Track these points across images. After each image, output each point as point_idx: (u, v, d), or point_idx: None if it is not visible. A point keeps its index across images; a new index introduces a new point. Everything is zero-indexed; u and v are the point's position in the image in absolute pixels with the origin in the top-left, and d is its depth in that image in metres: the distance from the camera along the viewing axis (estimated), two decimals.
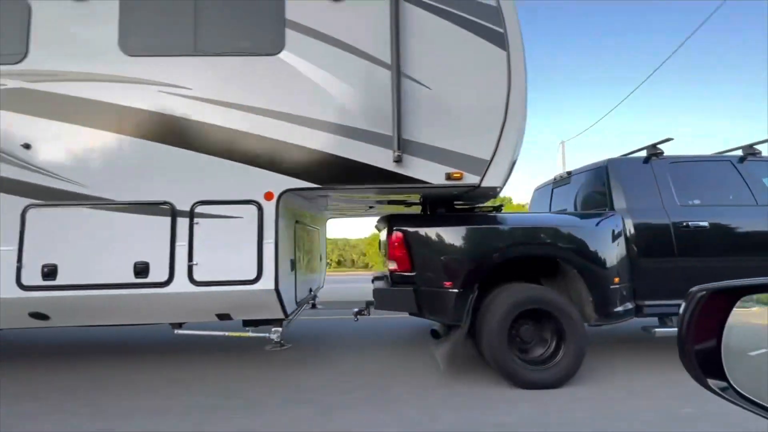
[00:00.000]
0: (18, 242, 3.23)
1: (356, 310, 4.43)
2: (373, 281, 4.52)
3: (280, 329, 3.74)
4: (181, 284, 3.26)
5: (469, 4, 3.58)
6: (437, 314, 3.62)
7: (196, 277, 3.27)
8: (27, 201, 3.27)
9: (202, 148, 3.39)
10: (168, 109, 3.41)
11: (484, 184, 3.48)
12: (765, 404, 0.71)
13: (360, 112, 3.48)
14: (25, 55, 3.40)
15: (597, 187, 4.36)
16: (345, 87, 3.49)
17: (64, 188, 3.31)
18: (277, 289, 3.32)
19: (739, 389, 0.75)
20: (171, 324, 3.71)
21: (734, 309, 0.77)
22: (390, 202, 4.86)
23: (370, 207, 5.15)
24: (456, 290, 3.50)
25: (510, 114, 3.51)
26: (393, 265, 3.82)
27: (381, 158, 3.45)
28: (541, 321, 3.46)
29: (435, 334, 3.96)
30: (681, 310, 0.81)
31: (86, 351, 4.49)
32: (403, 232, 3.73)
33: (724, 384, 0.76)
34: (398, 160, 3.40)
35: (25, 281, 3.20)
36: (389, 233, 3.82)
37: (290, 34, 3.51)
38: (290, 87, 3.48)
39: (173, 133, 3.39)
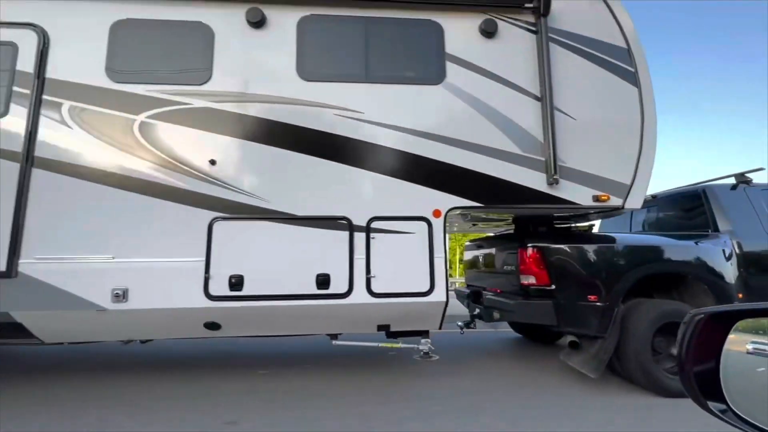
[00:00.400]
0: (205, 254, 3.34)
1: (461, 323, 4.63)
2: (469, 296, 4.73)
3: (429, 340, 3.89)
4: (360, 295, 3.41)
5: (605, 46, 4.00)
6: (580, 326, 3.86)
7: (374, 288, 3.43)
8: (213, 214, 3.40)
9: (374, 168, 3.61)
10: (342, 130, 3.64)
11: (626, 206, 3.80)
12: (764, 427, 0.71)
13: (514, 138, 3.79)
14: (210, 78, 3.60)
15: (692, 211, 4.76)
16: (499, 115, 3.81)
17: (247, 202, 3.46)
18: (447, 301, 3.51)
19: (737, 411, 0.75)
20: (329, 335, 3.82)
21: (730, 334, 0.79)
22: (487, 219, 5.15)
23: (474, 224, 5.42)
24: (602, 304, 3.77)
25: (644, 143, 3.88)
26: (529, 280, 4.06)
27: (535, 180, 3.74)
28: (674, 333, 3.74)
29: (573, 344, 4.18)
30: (680, 334, 0.82)
31: (241, 363, 4.50)
32: (541, 248, 4.00)
33: (723, 406, 0.76)
34: (553, 183, 3.70)
35: (212, 291, 3.29)
36: (522, 249, 4.09)
37: (450, 66, 3.83)
38: (451, 114, 3.77)
39: (347, 153, 3.61)
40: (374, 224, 3.52)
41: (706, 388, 0.78)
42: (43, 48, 3.48)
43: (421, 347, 3.88)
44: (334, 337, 3.84)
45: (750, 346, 0.78)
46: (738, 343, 0.79)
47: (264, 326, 3.55)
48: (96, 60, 3.52)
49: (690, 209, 4.79)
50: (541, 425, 2.87)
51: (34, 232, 3.24)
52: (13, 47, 3.46)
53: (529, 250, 4.08)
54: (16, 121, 3.37)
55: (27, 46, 3.48)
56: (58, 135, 3.39)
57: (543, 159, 3.77)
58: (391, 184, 3.61)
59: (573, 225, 5.03)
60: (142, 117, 3.47)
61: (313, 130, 3.61)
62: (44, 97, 3.43)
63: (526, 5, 3.94)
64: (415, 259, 3.52)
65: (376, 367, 4.34)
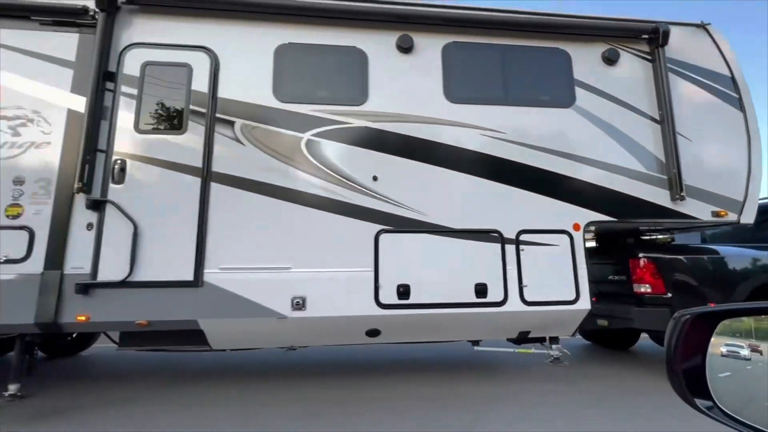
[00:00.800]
0: (374, 264, 3.53)
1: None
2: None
3: (560, 345, 4.12)
4: (514, 303, 3.63)
5: (710, 73, 4.36)
6: None
7: (527, 297, 3.65)
8: (378, 227, 3.61)
9: (517, 184, 3.87)
10: (488, 149, 3.89)
11: (741, 220, 4.12)
12: (749, 423, 0.73)
13: (638, 157, 4.09)
14: (366, 99, 3.83)
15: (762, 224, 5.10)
16: (624, 136, 4.11)
17: (408, 216, 3.67)
18: (591, 310, 3.75)
19: (723, 408, 0.77)
20: (471, 341, 4.02)
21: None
22: None
23: None
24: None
25: (752, 162, 4.22)
26: (644, 289, 4.34)
27: (660, 196, 4.04)
28: None
29: None
30: (667, 334, 0.84)
31: (358, 370, 4.64)
32: (654, 259, 4.29)
33: (709, 403, 0.78)
34: (679, 200, 4.00)
35: (383, 300, 3.48)
36: (633, 259, 4.37)
37: (579, 91, 4.14)
38: (582, 134, 4.06)
39: (493, 170, 3.86)
40: (522, 237, 3.76)
41: (694, 385, 0.80)
42: (214, 69, 3.68)
43: (552, 353, 4.10)
44: (476, 343, 4.05)
45: (724, 349, 0.82)
46: (715, 345, 0.81)
47: (422, 333, 3.74)
48: (263, 81, 3.73)
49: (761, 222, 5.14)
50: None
51: (216, 243, 3.40)
52: (187, 68, 3.65)
53: (642, 261, 4.36)
54: (194, 137, 3.55)
55: (200, 67, 3.67)
56: (232, 151, 3.57)
57: (665, 177, 4.07)
58: (534, 199, 3.86)
59: (656, 237, 5.34)
60: (308, 135, 3.68)
61: (461, 149, 3.86)
62: (218, 115, 3.61)
63: (643, 36, 4.29)
64: (560, 269, 3.76)
65: (484, 370, 4.54)
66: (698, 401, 0.79)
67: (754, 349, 0.82)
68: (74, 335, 5.50)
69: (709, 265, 4.24)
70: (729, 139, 4.25)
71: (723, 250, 4.51)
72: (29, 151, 3.35)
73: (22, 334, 3.27)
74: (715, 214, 4.08)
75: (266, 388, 3.92)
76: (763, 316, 0.83)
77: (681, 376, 0.81)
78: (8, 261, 3.16)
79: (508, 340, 4.27)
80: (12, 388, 3.17)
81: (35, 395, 3.53)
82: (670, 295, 4.22)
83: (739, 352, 0.81)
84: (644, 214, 4.02)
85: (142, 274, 3.27)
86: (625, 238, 4.81)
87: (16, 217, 3.24)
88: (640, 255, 4.38)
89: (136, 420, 3.16)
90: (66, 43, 3.55)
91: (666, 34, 4.19)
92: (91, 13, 3.56)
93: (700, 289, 4.17)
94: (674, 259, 4.29)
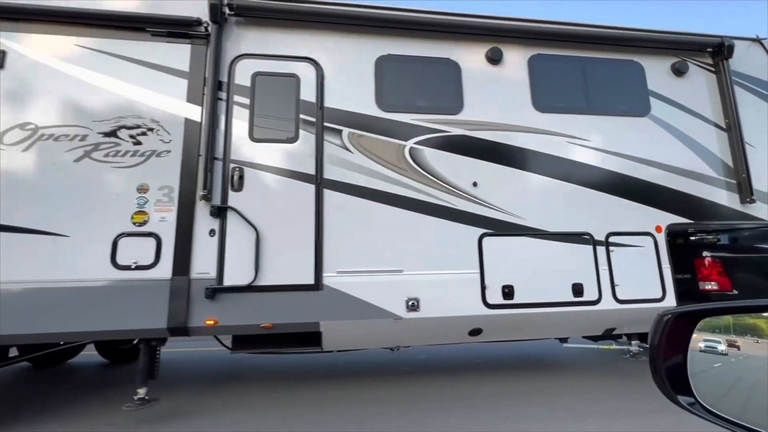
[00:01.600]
0: (479, 266, 3.67)
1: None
2: None
3: (639, 341, 4.31)
4: (608, 302, 3.81)
5: (764, 83, 4.63)
6: None
7: (619, 296, 3.83)
8: (481, 231, 3.75)
9: (604, 189, 4.05)
10: (574, 156, 4.07)
11: None
12: (729, 417, 0.74)
13: (708, 163, 4.32)
14: (462, 108, 3.97)
15: None
16: (695, 143, 4.34)
17: (507, 220, 3.82)
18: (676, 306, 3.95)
19: (704, 404, 0.78)
20: (558, 339, 4.18)
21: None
22: None
23: None
24: None
25: None
26: (710, 286, 4.56)
27: (730, 200, 4.28)
28: None
29: None
30: (650, 333, 0.85)
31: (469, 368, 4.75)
32: (720, 258, 4.53)
33: (691, 400, 0.79)
34: (749, 203, 4.24)
35: (489, 300, 3.61)
36: (698, 259, 4.60)
37: (653, 101, 4.36)
38: (658, 142, 4.28)
39: (581, 176, 4.04)
40: (611, 239, 3.95)
41: (676, 383, 0.81)
42: (320, 79, 3.78)
43: (632, 349, 4.29)
44: (564, 340, 4.21)
45: (702, 345, 0.83)
46: (695, 341, 0.84)
47: (520, 331, 3.89)
48: (366, 91, 3.84)
49: None
50: None
51: (332, 247, 3.49)
52: (295, 79, 3.75)
53: (707, 260, 4.59)
54: (306, 146, 3.64)
55: (307, 77, 3.77)
56: (342, 158, 3.68)
57: (734, 181, 4.31)
58: (618, 203, 4.05)
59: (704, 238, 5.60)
60: (411, 143, 3.81)
61: (551, 156, 4.03)
62: (326, 124, 3.71)
63: (707, 49, 4.54)
64: (647, 269, 3.96)
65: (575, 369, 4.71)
66: (680, 398, 0.80)
67: (731, 345, 0.83)
68: (135, 341, 5.50)
69: None
70: None
71: None
72: (151, 159, 3.40)
73: (148, 339, 3.31)
74: None
75: (372, 387, 4.03)
76: (741, 315, 0.84)
77: (664, 374, 0.81)
78: (138, 267, 3.21)
79: (585, 337, 4.46)
80: (141, 391, 3.21)
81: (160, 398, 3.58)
82: (736, 291, 4.46)
83: (716, 348, 0.83)
84: (717, 216, 4.26)
85: (265, 279, 3.35)
86: (686, 238, 5.04)
87: (142, 224, 3.29)
88: (705, 254, 4.61)
89: (258, 417, 3.24)
90: (179, 53, 3.61)
91: (731, 48, 4.44)
92: (204, 24, 3.64)
93: (763, 284, 4.42)
94: (738, 258, 4.52)
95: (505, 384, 4.11)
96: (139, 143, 3.41)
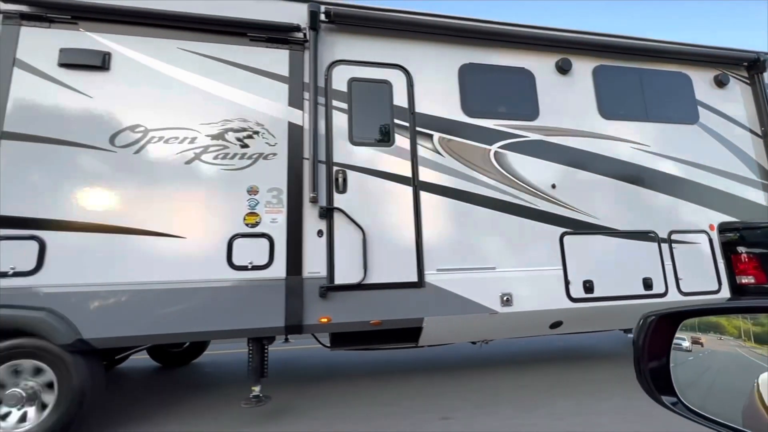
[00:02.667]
0: (561, 263, 3.87)
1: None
2: None
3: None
4: (673, 294, 4.08)
5: None
6: None
7: (683, 288, 4.12)
8: (561, 230, 3.95)
9: (664, 190, 4.34)
10: (637, 160, 4.34)
11: None
12: (710, 416, 0.75)
13: (749, 166, 4.69)
14: (538, 115, 4.17)
15: None
16: (737, 149, 4.70)
17: (583, 219, 4.04)
18: (731, 298, 4.27)
19: (687, 403, 0.79)
20: (623, 330, 4.44)
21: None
22: None
23: None
24: None
25: None
26: (747, 280, 4.94)
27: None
28: None
29: None
30: (634, 335, 0.86)
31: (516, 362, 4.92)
32: (756, 254, 4.91)
33: (674, 399, 0.80)
34: None
35: (573, 294, 3.82)
36: (734, 255, 4.97)
37: (701, 111, 4.69)
38: (706, 147, 4.61)
39: (644, 178, 4.31)
40: (673, 236, 4.24)
41: (660, 383, 0.81)
42: (410, 86, 3.90)
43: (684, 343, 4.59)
44: (628, 331, 4.47)
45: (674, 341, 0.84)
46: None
47: (596, 323, 4.11)
48: (452, 97, 3.99)
49: None
50: None
51: (431, 246, 3.62)
52: (388, 85, 3.85)
53: (743, 256, 4.97)
54: (401, 149, 3.75)
55: (398, 84, 3.88)
56: (434, 161, 3.81)
57: None
58: (677, 203, 4.35)
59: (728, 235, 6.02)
60: (495, 147, 3.98)
61: (617, 160, 4.29)
62: (418, 129, 3.83)
63: (744, 63, 4.92)
64: (704, 264, 4.27)
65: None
66: (664, 398, 0.81)
67: (695, 342, 0.85)
68: (186, 344, 5.45)
69: None
70: None
71: None
72: (259, 162, 3.43)
73: (259, 338, 3.34)
74: None
75: (465, 380, 4.18)
76: (721, 316, 0.85)
77: (648, 375, 0.81)
78: (254, 267, 3.24)
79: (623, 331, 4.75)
80: (256, 389, 3.23)
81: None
82: None
83: (681, 345, 0.85)
84: (757, 215, 4.62)
85: (373, 277, 3.44)
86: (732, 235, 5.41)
87: (254, 225, 3.32)
88: (741, 251, 4.98)
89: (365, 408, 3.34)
90: (279, 59, 3.65)
91: (765, 63, 4.84)
92: (303, 31, 3.69)
93: None
94: None
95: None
96: (246, 146, 3.43)
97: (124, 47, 3.39)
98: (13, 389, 2.80)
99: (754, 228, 5.50)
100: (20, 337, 2.83)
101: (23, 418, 2.82)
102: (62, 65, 3.25)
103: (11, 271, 2.88)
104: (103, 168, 3.17)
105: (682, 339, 0.86)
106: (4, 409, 2.81)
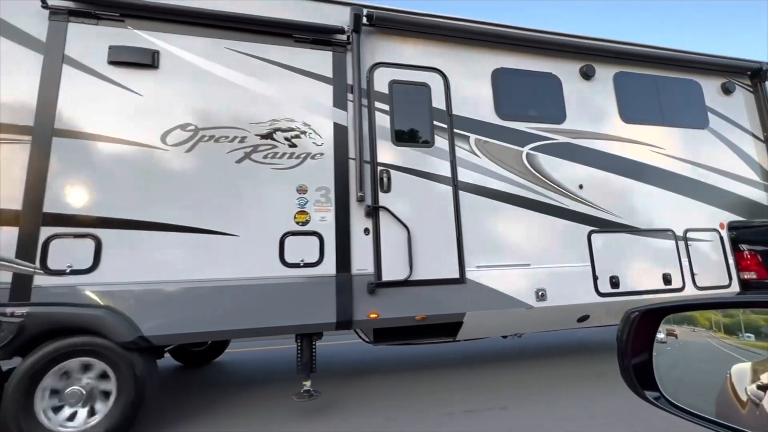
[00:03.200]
0: (590, 260, 4.04)
1: None
2: None
3: None
4: (690, 289, 4.31)
5: None
6: None
7: (698, 283, 4.35)
8: (589, 228, 4.12)
9: (679, 191, 4.57)
10: (655, 162, 4.55)
11: None
12: (692, 410, 0.77)
13: (753, 168, 4.97)
14: (565, 118, 4.33)
15: None
16: (742, 152, 4.98)
17: (608, 218, 4.22)
18: (740, 292, 4.53)
19: (669, 398, 0.80)
20: None
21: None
22: None
23: None
24: None
25: None
26: (748, 275, 5.23)
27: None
28: None
29: None
30: (619, 331, 0.87)
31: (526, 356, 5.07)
32: (758, 251, 5.21)
33: (657, 394, 0.81)
34: None
35: (601, 289, 3.99)
36: (738, 252, 5.26)
37: (710, 116, 4.94)
38: (715, 151, 4.86)
39: (662, 179, 4.52)
40: (689, 234, 4.46)
41: (643, 378, 0.81)
42: (447, 89, 3.99)
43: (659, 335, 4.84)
44: None
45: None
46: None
47: (619, 317, 4.28)
48: (486, 101, 4.10)
49: None
50: None
51: (470, 243, 3.72)
52: (427, 87, 3.94)
53: (746, 253, 5.26)
54: (441, 150, 3.84)
55: (436, 87, 3.97)
56: (471, 162, 3.91)
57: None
58: (690, 203, 4.58)
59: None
60: (527, 149, 4.11)
61: (637, 162, 4.49)
62: (455, 131, 3.93)
63: (747, 72, 5.20)
64: (716, 260, 4.51)
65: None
66: (647, 393, 0.81)
67: (669, 334, 0.87)
68: (208, 343, 5.43)
69: None
70: None
71: None
72: (307, 161, 3.47)
73: (309, 334, 3.38)
74: None
75: (507, 371, 4.31)
76: (701, 311, 0.87)
77: (631, 371, 0.82)
78: (306, 265, 3.28)
79: None
80: (307, 384, 3.28)
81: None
82: None
83: (657, 336, 0.86)
84: (760, 214, 4.91)
85: (418, 274, 3.53)
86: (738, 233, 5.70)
87: (305, 223, 3.36)
88: (744, 248, 5.27)
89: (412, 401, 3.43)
90: (323, 60, 3.69)
91: (767, 72, 5.13)
92: (348, 33, 3.74)
93: None
94: None
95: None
96: (294, 146, 3.47)
97: (171, 46, 3.38)
98: (73, 387, 2.77)
99: (757, 227, 5.82)
100: (79, 335, 2.80)
101: (81, 417, 2.79)
102: (112, 63, 3.22)
103: (68, 270, 2.85)
104: (156, 166, 3.15)
105: (659, 331, 0.87)
106: (62, 406, 2.78)
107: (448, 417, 3.19)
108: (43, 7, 3.15)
